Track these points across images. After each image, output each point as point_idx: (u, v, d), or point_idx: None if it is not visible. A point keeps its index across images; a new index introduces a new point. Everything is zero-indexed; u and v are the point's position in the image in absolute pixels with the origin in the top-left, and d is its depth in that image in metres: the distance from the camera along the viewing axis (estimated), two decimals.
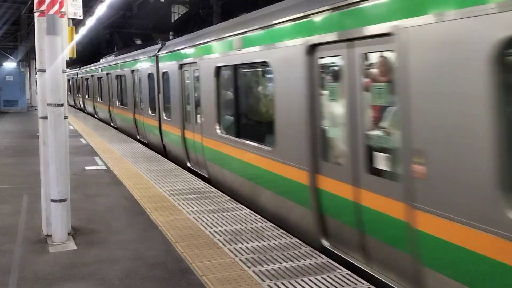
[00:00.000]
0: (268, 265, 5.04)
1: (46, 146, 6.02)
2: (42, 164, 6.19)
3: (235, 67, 8.23)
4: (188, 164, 10.96)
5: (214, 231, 6.17)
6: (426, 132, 3.97)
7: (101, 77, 23.45)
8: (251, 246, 5.61)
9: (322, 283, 4.58)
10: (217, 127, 8.85)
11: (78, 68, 33.44)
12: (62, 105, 5.80)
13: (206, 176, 9.74)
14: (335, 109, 5.51)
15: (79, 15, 6.81)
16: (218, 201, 7.63)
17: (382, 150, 4.73)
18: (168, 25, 29.91)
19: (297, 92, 5.98)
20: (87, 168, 10.75)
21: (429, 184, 3.96)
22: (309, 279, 4.67)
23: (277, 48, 6.51)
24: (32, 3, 6.33)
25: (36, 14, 6.17)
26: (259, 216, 6.78)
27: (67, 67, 6.51)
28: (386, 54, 4.66)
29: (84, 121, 23.20)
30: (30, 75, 36.25)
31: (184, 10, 28.52)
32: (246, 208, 7.20)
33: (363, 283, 4.57)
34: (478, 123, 3.48)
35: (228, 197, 7.87)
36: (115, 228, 6.45)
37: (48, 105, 5.75)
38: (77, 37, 17.37)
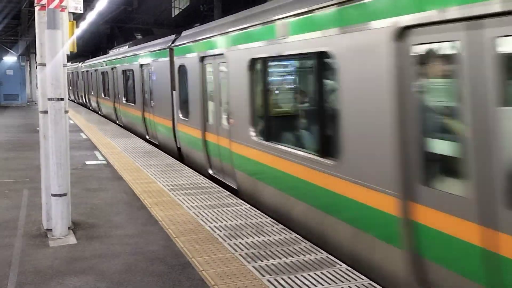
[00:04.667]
0: (268, 260, 5.05)
1: (47, 141, 6.02)
2: (43, 159, 6.19)
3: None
4: (210, 172, 9.58)
5: (214, 226, 6.18)
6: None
7: (104, 72, 22.06)
8: (251, 241, 5.63)
9: (322, 279, 4.59)
10: (251, 130, 7.53)
11: (77, 63, 33.27)
12: (63, 99, 5.80)
13: (235, 187, 8.35)
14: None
15: (80, 9, 6.80)
16: (218, 196, 7.64)
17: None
18: (169, 20, 29.83)
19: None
20: (87, 162, 10.76)
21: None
22: (308, 275, 4.68)
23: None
24: None
25: (36, 8, 6.16)
26: (259, 212, 6.80)
27: (68, 61, 6.50)
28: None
29: (84, 115, 23.19)
30: (30, 70, 36.22)
31: (185, 5, 28.44)
32: (246, 204, 7.22)
33: (362, 278, 4.58)
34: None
35: (228, 193, 7.89)
36: (115, 222, 6.47)
37: (49, 99, 5.75)
38: (78, 31, 17.29)
